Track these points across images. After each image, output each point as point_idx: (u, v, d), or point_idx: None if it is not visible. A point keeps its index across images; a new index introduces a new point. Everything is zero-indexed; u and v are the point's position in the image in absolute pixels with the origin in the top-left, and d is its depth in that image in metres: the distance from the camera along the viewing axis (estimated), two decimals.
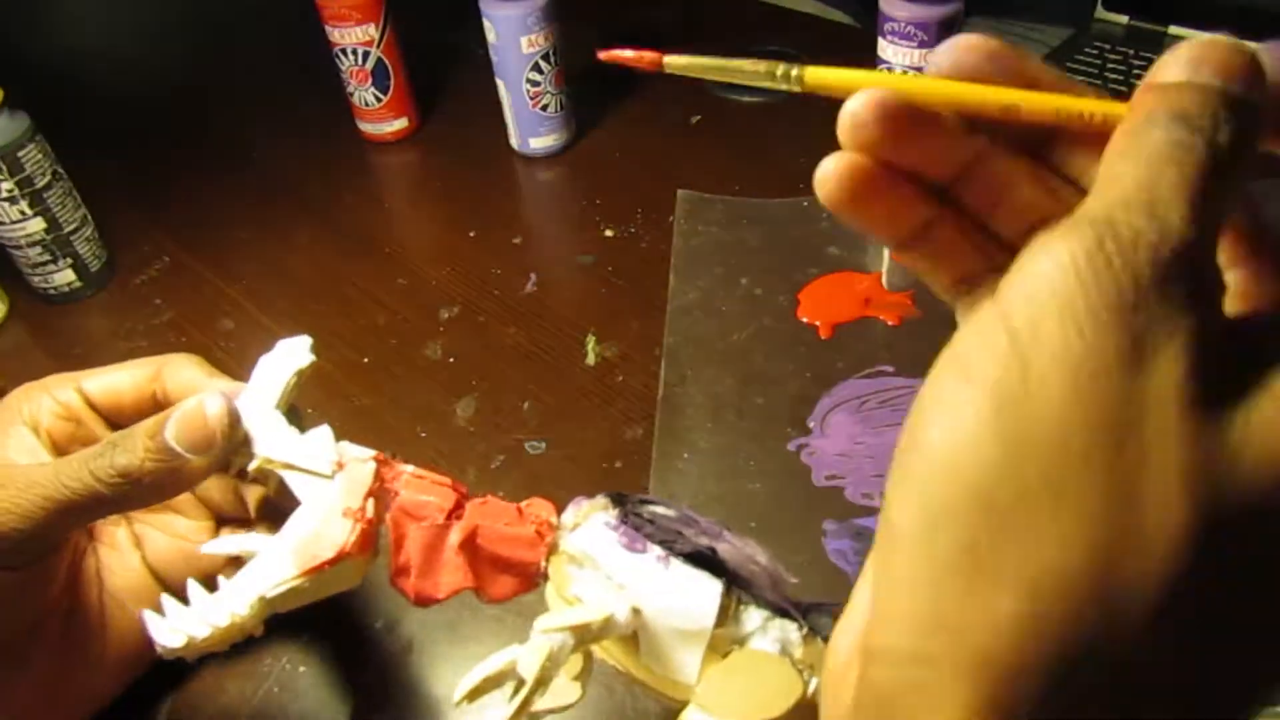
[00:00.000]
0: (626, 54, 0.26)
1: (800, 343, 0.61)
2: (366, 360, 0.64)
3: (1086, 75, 0.90)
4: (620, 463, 0.55)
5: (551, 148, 0.80)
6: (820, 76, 0.24)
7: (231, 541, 0.39)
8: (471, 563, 0.36)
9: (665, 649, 0.34)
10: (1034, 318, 0.18)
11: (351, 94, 0.82)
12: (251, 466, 0.38)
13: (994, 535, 0.18)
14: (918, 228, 0.24)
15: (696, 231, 0.70)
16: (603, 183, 0.77)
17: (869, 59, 0.70)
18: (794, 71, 0.24)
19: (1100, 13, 0.98)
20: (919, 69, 0.67)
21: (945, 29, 0.65)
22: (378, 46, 0.79)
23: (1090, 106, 0.22)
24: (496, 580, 0.37)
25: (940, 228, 0.24)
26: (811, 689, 0.33)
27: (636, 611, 0.34)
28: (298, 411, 0.42)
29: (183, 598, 0.36)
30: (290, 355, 0.41)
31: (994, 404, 0.18)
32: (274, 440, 0.38)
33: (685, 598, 0.33)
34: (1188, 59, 0.20)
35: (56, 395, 0.42)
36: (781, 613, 0.34)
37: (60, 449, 0.42)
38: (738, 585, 0.34)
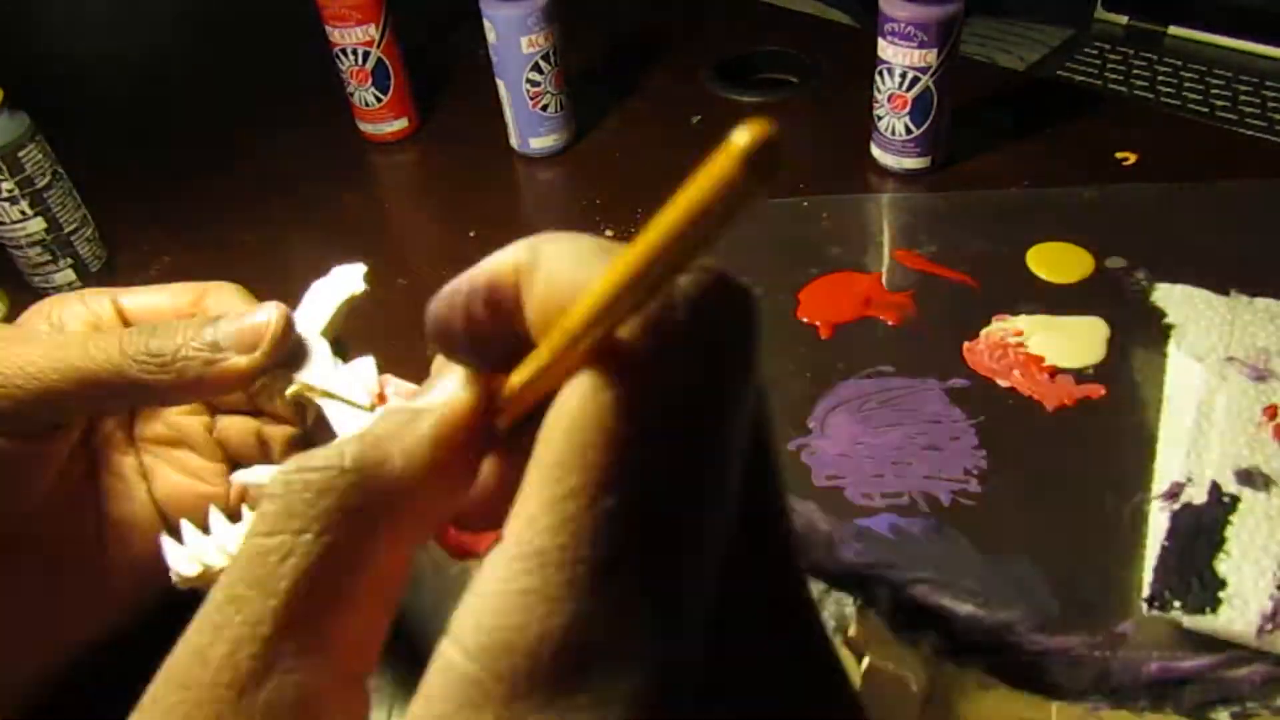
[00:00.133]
0: None
1: (800, 343, 0.61)
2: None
3: (1086, 75, 0.90)
4: None
5: (551, 148, 0.80)
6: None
7: (264, 471, 0.37)
8: None
9: None
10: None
11: (351, 94, 0.82)
12: (289, 391, 0.36)
13: None
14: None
15: None
16: (603, 183, 0.77)
17: (869, 59, 0.70)
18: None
19: (1100, 13, 0.98)
20: (919, 69, 0.67)
21: (945, 29, 0.65)
22: (378, 46, 0.79)
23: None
24: None
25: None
26: (864, 668, 0.32)
27: None
28: (344, 344, 0.40)
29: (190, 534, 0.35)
30: (343, 281, 0.39)
31: None
32: (315, 366, 0.36)
33: None
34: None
35: (89, 304, 0.39)
36: (836, 582, 0.33)
37: None
38: None
